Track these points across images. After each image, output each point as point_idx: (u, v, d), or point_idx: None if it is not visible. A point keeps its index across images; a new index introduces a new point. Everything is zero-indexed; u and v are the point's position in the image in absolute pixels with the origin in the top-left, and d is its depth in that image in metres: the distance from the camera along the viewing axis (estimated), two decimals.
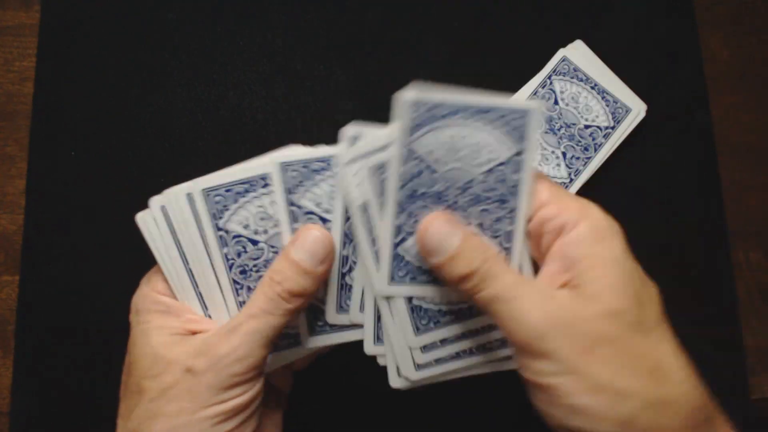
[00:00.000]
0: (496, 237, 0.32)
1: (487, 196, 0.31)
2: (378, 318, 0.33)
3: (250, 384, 0.31)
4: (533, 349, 0.27)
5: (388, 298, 0.32)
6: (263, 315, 0.31)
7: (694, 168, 0.48)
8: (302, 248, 0.32)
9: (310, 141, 0.46)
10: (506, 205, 0.31)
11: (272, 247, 0.33)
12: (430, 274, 0.32)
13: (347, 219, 0.33)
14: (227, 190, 0.33)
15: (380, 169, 0.31)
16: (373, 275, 0.32)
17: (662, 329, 0.28)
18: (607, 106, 0.47)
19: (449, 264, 0.30)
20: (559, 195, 0.31)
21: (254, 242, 0.33)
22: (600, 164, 0.46)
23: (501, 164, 0.31)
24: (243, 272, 0.33)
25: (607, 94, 0.47)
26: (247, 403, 0.31)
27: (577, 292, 0.28)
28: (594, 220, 0.30)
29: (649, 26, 0.50)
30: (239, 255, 0.33)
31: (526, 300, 0.28)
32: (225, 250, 0.33)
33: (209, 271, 0.33)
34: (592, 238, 0.29)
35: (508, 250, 0.32)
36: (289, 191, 0.33)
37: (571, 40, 0.48)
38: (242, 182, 0.33)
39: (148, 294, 0.33)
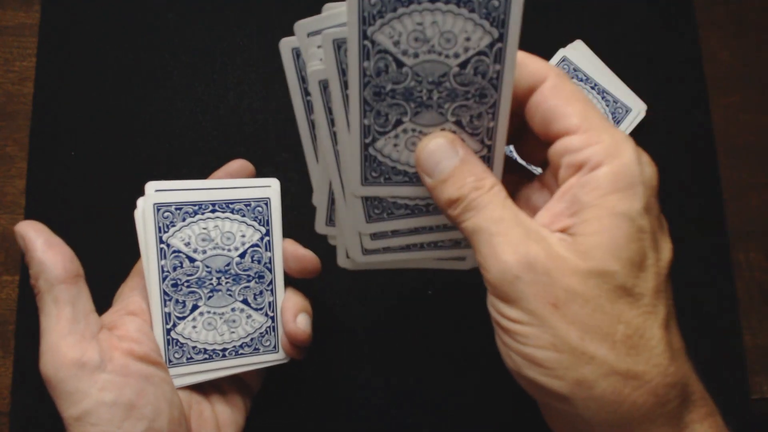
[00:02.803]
0: (475, 135, 0.29)
1: (465, 91, 0.28)
2: (332, 200, 0.31)
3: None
4: (503, 292, 0.26)
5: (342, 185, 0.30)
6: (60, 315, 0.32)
7: (694, 168, 0.48)
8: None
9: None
10: (486, 100, 0.28)
11: (207, 267, 0.35)
12: (405, 174, 0.30)
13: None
14: (177, 208, 0.34)
15: (344, 43, 0.27)
16: (329, 161, 0.30)
17: (657, 300, 0.26)
18: (607, 106, 0.47)
19: (440, 186, 0.28)
20: (591, 123, 0.27)
21: (191, 260, 0.35)
22: None
23: (479, 53, 0.27)
24: (174, 285, 0.35)
25: (607, 94, 0.47)
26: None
27: (571, 240, 0.26)
28: (619, 165, 0.26)
29: (649, 26, 0.50)
30: (174, 269, 0.34)
31: (507, 238, 0.26)
32: (162, 262, 0.34)
33: (147, 279, 0.35)
34: (610, 186, 0.26)
35: (489, 148, 0.29)
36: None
37: (571, 40, 0.48)
38: (192, 203, 0.35)
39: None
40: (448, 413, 0.44)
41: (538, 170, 0.32)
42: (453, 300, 0.45)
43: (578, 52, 0.48)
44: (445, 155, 0.28)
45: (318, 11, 0.51)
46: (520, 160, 0.34)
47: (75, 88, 0.47)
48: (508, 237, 0.26)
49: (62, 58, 0.47)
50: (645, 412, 0.25)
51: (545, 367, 0.25)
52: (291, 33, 0.52)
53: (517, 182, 0.31)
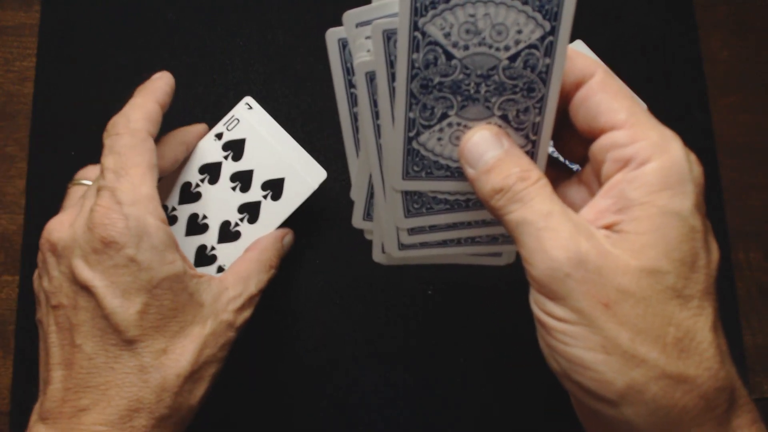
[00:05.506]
0: (520, 130, 0.29)
1: (513, 84, 0.27)
2: (371, 195, 0.31)
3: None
4: (550, 289, 0.25)
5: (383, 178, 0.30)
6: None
7: None
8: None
9: (310, 141, 0.46)
10: (534, 95, 0.28)
11: None
12: (447, 168, 0.30)
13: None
14: None
15: (394, 35, 0.27)
16: (371, 154, 0.30)
17: (706, 301, 0.25)
18: None
19: (484, 177, 0.27)
20: (637, 119, 0.26)
21: None
22: None
23: (530, 47, 0.27)
24: None
25: None
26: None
27: (619, 238, 0.25)
28: (669, 161, 0.25)
29: (649, 26, 0.50)
30: None
31: (556, 233, 0.25)
32: None
33: None
34: (659, 182, 0.25)
35: (534, 144, 0.29)
36: None
37: (572, 40, 0.48)
38: None
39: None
40: (448, 413, 0.44)
41: (574, 167, 0.32)
42: (453, 300, 0.45)
43: None
44: (489, 146, 0.28)
45: (319, 12, 0.51)
46: (556, 156, 0.33)
47: (75, 88, 0.47)
48: (558, 232, 0.25)
49: (62, 58, 0.47)
50: (694, 417, 0.24)
51: (594, 370, 0.24)
52: (290, 32, 0.52)
53: (553, 178, 0.31)
